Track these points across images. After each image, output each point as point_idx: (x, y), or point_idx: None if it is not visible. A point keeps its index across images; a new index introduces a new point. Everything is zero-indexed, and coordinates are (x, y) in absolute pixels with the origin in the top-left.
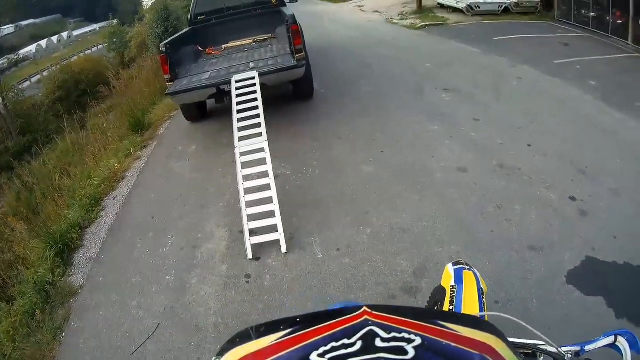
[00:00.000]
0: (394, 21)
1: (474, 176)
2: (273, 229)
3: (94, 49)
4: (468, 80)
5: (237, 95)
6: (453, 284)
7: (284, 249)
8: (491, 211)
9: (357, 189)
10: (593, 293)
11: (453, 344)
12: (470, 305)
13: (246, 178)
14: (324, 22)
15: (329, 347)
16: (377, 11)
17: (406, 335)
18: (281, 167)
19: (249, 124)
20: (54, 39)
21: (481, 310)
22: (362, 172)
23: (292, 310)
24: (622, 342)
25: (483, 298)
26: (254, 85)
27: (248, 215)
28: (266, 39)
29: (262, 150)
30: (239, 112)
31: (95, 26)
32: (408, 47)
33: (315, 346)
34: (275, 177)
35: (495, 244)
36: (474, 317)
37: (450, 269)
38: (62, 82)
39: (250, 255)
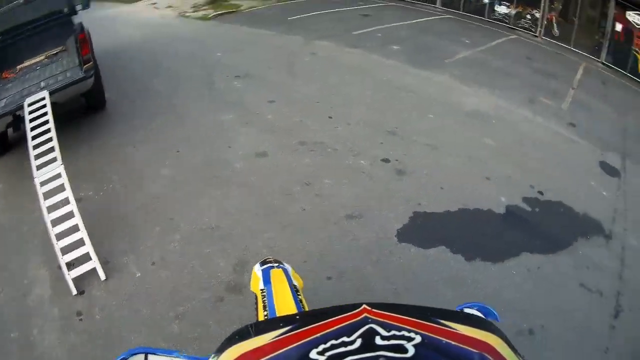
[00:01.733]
0: (187, 14)
1: (275, 158)
2: (87, 257)
3: None
4: (261, 64)
5: (30, 120)
6: (262, 286)
7: (102, 276)
8: (299, 190)
9: (160, 195)
10: (432, 245)
11: (453, 343)
12: (284, 306)
13: (52, 208)
14: (116, 24)
15: (328, 344)
16: (170, 6)
17: (406, 334)
18: (83, 188)
19: (45, 149)
20: None
21: (298, 308)
22: (161, 176)
23: (130, 339)
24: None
25: (298, 295)
26: (45, 106)
27: (61, 248)
28: (57, 52)
29: (59, 176)
30: (33, 138)
31: None
32: (199, 39)
33: (314, 344)
34: (80, 200)
35: (311, 221)
36: (474, 315)
37: (257, 270)
38: None
39: (74, 291)
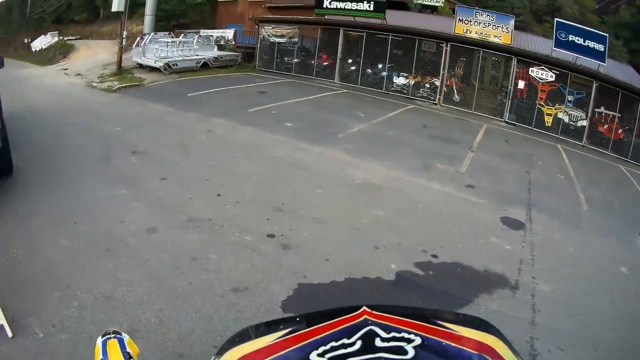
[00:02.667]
0: (94, 84)
1: (164, 234)
2: None
3: None
4: (157, 140)
5: None
6: (102, 356)
7: (9, 333)
8: (186, 265)
9: (59, 263)
10: None
11: (453, 344)
12: None
13: None
14: (26, 87)
15: (328, 346)
16: (79, 74)
17: (406, 335)
18: None
19: None
20: None
21: None
22: (60, 247)
23: None
24: None
25: None
26: None
27: None
28: None
29: None
30: None
31: None
32: (102, 112)
33: (314, 345)
34: None
35: (197, 294)
36: (474, 317)
37: (99, 342)
38: None
39: None
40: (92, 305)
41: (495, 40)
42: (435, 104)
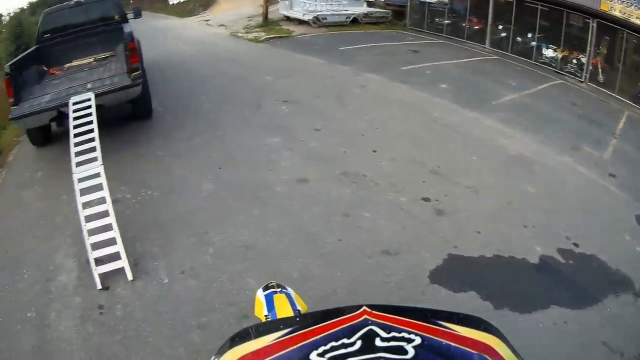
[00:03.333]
0: (239, 35)
1: (316, 186)
2: (117, 256)
3: None
4: (309, 91)
5: (74, 119)
6: (266, 312)
7: (129, 276)
8: (338, 220)
9: (198, 208)
10: (463, 289)
11: (453, 344)
12: None
13: (86, 205)
14: (167, 37)
15: (328, 346)
16: (223, 25)
17: (406, 335)
18: (121, 190)
19: (86, 147)
20: None
21: None
22: (202, 191)
23: (149, 339)
24: None
25: None
26: (90, 107)
27: (92, 244)
28: (106, 57)
29: (98, 175)
30: (75, 135)
31: None
32: (250, 61)
33: (314, 345)
34: (116, 201)
35: (346, 252)
36: (474, 317)
37: (260, 295)
38: None
39: (99, 286)
40: (230, 253)
41: (637, 21)
42: (582, 81)
